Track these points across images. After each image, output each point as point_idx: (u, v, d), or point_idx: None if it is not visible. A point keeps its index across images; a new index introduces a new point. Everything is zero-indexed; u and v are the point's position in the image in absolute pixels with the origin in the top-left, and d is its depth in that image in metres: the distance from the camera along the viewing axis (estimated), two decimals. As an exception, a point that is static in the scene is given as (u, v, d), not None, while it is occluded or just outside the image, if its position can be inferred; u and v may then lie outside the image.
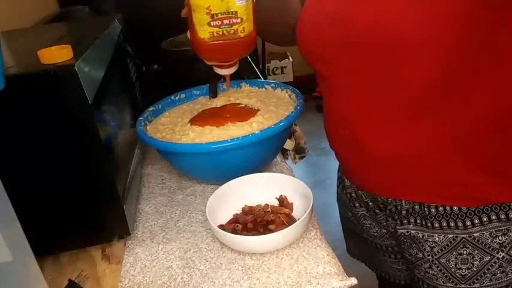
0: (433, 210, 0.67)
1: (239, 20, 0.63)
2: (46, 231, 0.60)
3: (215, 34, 0.64)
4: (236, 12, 0.62)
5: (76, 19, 1.21)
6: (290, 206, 0.69)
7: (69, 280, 0.59)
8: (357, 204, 0.82)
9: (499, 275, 0.66)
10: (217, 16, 0.62)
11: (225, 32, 0.63)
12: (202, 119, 0.80)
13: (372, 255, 0.88)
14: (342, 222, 0.93)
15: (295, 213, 0.67)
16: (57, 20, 1.11)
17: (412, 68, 0.57)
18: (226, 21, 0.62)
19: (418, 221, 0.69)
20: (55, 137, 0.57)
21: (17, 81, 0.52)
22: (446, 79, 0.56)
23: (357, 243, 0.90)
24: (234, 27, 0.63)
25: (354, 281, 0.56)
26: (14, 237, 0.45)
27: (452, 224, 0.66)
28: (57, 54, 0.55)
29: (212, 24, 0.63)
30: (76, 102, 0.54)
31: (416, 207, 0.69)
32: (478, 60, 0.55)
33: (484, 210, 0.64)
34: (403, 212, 0.71)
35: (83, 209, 0.62)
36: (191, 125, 0.79)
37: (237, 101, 0.87)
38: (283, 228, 0.60)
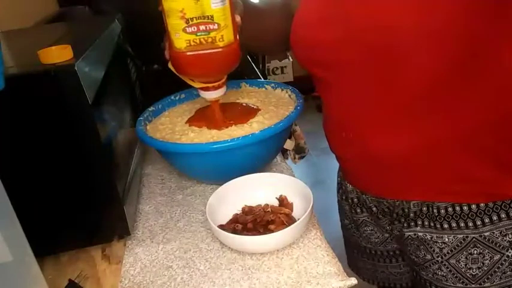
0: (442, 211, 0.66)
1: (216, 26, 0.61)
2: (46, 231, 0.60)
3: (192, 43, 0.61)
4: (212, 16, 0.60)
5: (76, 19, 1.21)
6: (290, 206, 0.69)
7: (69, 280, 0.59)
8: (359, 210, 0.80)
9: (508, 273, 0.66)
10: (192, 21, 0.60)
11: (202, 40, 0.61)
12: (201, 120, 0.80)
13: (369, 266, 0.86)
14: (342, 231, 0.92)
15: (295, 213, 0.67)
16: (57, 20, 1.11)
17: (412, 67, 0.57)
18: (202, 27, 0.60)
19: (426, 223, 0.68)
20: (55, 137, 0.57)
21: (17, 81, 0.52)
22: (447, 77, 0.56)
23: (354, 254, 0.89)
24: (212, 34, 0.61)
25: (353, 281, 0.56)
26: (14, 237, 0.45)
27: (462, 224, 0.65)
28: (57, 54, 0.55)
29: (188, 31, 0.60)
30: (76, 102, 0.54)
31: (424, 208, 0.68)
32: (478, 56, 0.55)
33: (494, 208, 0.64)
34: (411, 214, 0.70)
35: (83, 209, 0.62)
36: (189, 125, 0.79)
37: (237, 101, 0.87)
38: (283, 228, 0.60)
